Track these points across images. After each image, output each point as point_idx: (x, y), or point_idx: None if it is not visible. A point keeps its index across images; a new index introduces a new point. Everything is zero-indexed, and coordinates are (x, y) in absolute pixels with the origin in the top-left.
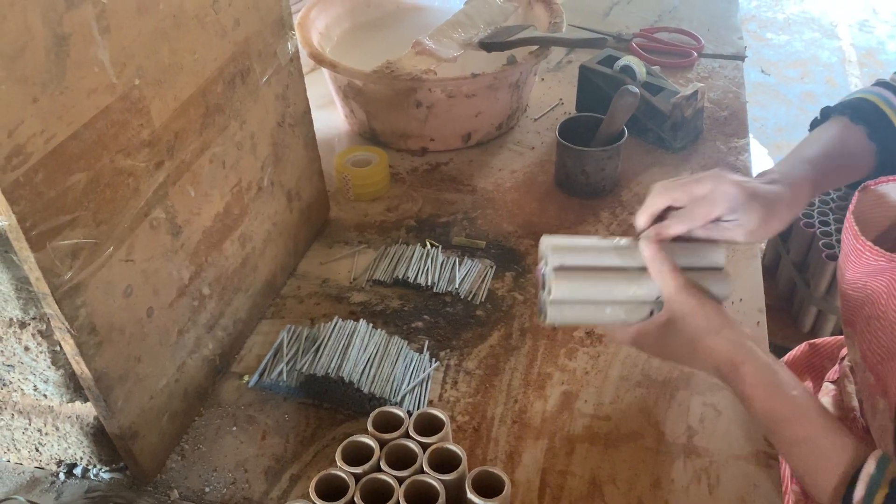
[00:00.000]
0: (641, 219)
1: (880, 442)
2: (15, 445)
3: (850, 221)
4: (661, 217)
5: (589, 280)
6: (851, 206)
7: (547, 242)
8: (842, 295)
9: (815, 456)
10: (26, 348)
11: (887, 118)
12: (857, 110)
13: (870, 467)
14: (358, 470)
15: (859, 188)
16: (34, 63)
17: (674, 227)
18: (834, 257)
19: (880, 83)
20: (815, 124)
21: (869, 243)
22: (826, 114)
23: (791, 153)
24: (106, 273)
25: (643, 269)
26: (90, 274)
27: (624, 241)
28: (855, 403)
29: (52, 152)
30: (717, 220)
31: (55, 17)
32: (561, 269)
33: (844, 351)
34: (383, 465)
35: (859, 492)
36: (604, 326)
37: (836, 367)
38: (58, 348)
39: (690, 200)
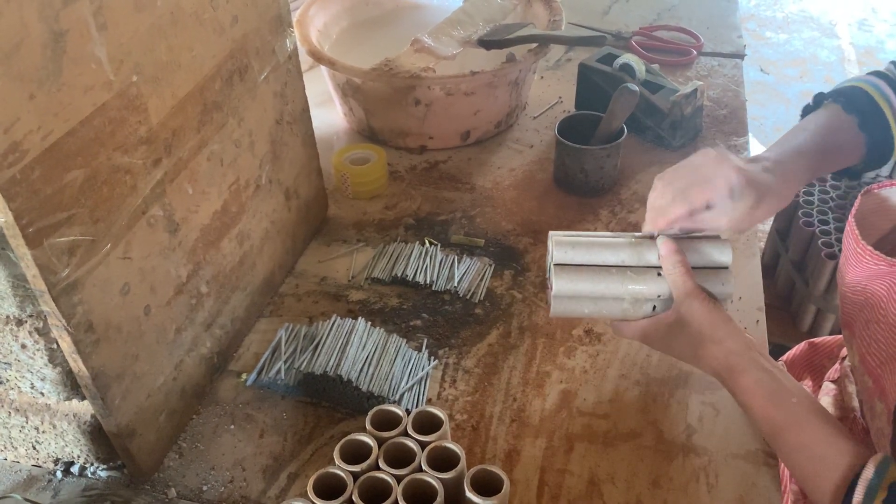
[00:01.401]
0: (661, 223)
1: (878, 444)
2: (12, 444)
3: (851, 226)
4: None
5: (590, 276)
6: (853, 211)
7: (553, 238)
8: (841, 298)
9: (813, 462)
10: (23, 346)
11: (880, 109)
12: (850, 99)
13: (868, 472)
14: (356, 468)
15: (862, 192)
16: (30, 59)
17: (674, 210)
18: (833, 256)
19: (876, 73)
20: (807, 110)
21: (869, 248)
22: (819, 100)
23: (783, 139)
24: (103, 271)
25: (648, 267)
26: (87, 271)
27: (628, 236)
28: (855, 404)
29: (48, 149)
30: (707, 206)
31: (52, 14)
32: (562, 266)
33: (846, 350)
34: (381, 464)
35: (858, 496)
36: (608, 320)
37: (837, 365)
38: (55, 346)
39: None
